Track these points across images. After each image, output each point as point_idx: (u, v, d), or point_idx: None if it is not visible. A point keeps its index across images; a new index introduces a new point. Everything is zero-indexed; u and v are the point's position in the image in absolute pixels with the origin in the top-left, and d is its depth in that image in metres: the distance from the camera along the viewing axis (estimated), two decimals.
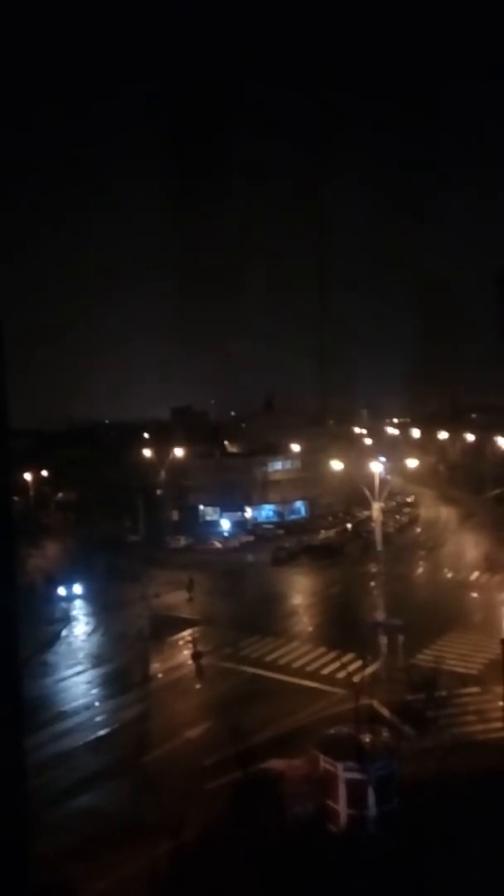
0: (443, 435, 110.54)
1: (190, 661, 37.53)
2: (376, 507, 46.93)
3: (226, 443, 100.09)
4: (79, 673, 38.21)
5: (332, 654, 34.79)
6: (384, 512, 53.59)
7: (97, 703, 33.84)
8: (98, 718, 32.01)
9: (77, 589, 54.08)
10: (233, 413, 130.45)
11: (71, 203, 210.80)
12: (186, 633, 42.44)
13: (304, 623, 44.67)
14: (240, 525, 79.26)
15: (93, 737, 30.08)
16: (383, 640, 34.29)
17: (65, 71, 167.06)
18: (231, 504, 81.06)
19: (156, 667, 37.10)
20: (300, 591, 53.43)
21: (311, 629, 43.06)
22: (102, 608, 49.92)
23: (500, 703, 28.63)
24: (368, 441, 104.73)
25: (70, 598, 53.09)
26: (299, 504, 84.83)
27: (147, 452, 76.21)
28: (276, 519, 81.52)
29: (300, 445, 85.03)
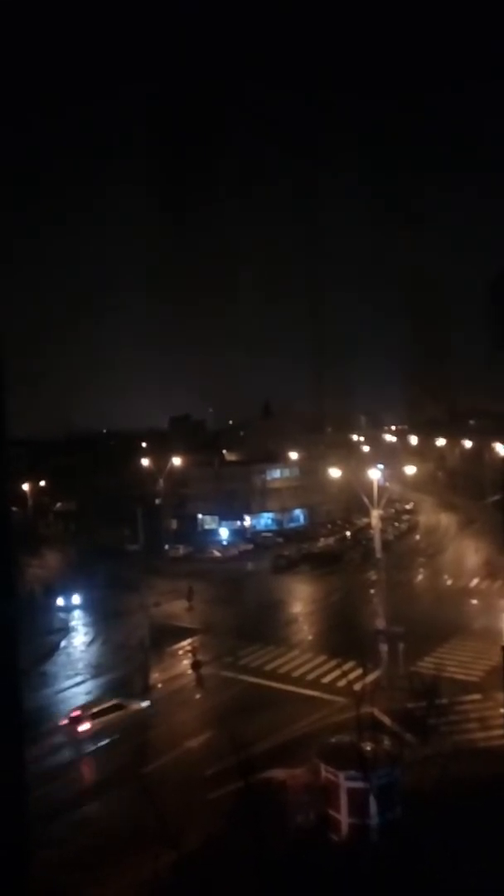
0: (441, 441, 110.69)
1: (190, 671, 37.43)
2: (375, 515, 46.86)
3: (224, 451, 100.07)
4: (78, 683, 38.06)
5: (333, 663, 34.63)
6: (383, 519, 53.56)
7: None
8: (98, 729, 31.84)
9: (76, 599, 53.95)
10: (231, 421, 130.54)
11: (67, 210, 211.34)
12: (186, 643, 42.31)
13: (305, 631, 44.57)
14: (239, 533, 79.20)
15: (93, 748, 29.93)
16: (384, 647, 34.23)
17: (61, 71, 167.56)
18: (230, 512, 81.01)
19: (156, 676, 36.94)
20: (300, 599, 53.33)
21: (311, 637, 42.96)
22: (102, 618, 49.77)
23: (502, 710, 28.56)
24: (367, 448, 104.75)
25: (69, 608, 52.94)
26: (298, 512, 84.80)
27: (145, 461, 76.17)
28: (275, 527, 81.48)
29: (299, 453, 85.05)
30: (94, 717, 29.72)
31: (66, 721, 30.17)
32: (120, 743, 29.08)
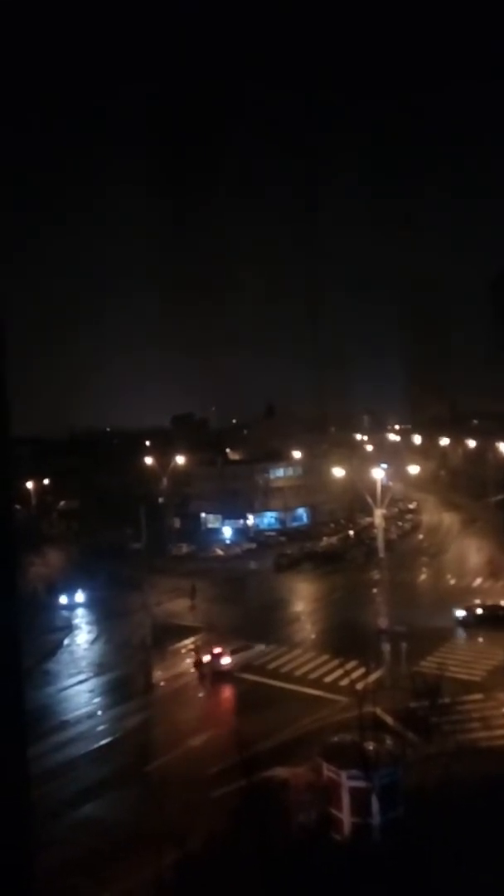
0: (444, 441, 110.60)
1: (193, 670, 37.45)
2: (378, 514, 46.88)
3: (227, 450, 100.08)
4: (81, 682, 38.11)
5: (336, 662, 34.67)
6: (386, 518, 53.54)
7: (100, 712, 33.75)
8: (101, 727, 31.93)
9: (79, 597, 54.01)
10: (234, 420, 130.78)
11: (68, 210, 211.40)
12: (189, 641, 42.36)
13: (307, 630, 44.57)
14: (242, 532, 79.16)
15: (96, 746, 30.00)
16: (386, 647, 34.27)
17: (61, 71, 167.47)
18: (233, 511, 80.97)
19: (158, 675, 36.99)
20: (303, 598, 53.32)
21: (313, 636, 42.95)
22: (104, 616, 49.82)
23: None
24: (370, 447, 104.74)
25: (72, 606, 53.00)
26: (301, 511, 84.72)
27: (149, 460, 76.19)
28: (278, 526, 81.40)
29: (302, 452, 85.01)
30: (232, 653, 37.79)
31: (210, 656, 37.66)
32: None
